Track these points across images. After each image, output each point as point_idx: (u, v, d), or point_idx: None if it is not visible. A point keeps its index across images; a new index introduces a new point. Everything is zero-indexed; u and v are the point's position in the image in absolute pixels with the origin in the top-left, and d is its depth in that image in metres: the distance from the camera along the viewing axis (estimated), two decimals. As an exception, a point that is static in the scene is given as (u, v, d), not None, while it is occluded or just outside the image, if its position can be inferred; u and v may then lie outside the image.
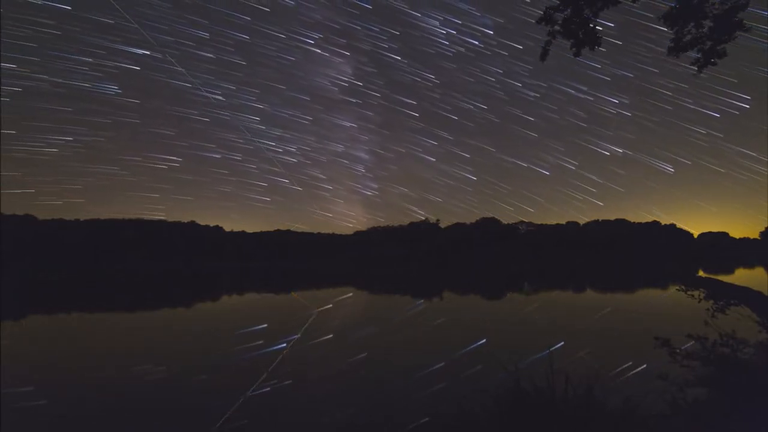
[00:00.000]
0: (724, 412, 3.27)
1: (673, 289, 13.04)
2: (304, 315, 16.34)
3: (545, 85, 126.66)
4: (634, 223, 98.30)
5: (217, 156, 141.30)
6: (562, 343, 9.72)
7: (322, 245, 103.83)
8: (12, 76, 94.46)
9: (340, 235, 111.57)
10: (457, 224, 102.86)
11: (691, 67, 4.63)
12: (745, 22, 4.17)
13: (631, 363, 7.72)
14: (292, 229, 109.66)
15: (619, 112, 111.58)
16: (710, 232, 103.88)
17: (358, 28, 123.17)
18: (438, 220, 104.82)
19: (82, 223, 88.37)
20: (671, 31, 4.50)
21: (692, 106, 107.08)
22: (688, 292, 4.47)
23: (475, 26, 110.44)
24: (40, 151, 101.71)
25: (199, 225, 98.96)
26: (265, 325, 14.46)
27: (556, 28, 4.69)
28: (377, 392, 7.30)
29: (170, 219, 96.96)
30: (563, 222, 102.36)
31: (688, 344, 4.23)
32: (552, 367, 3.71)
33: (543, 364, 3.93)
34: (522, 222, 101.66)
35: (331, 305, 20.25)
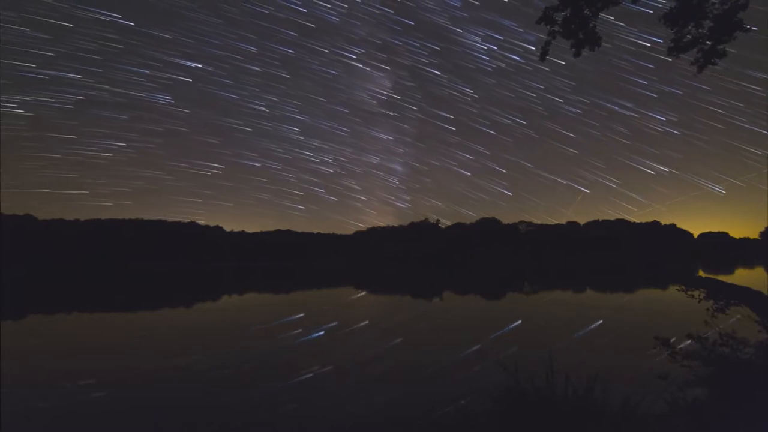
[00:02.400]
0: (724, 412, 3.27)
1: (673, 289, 13.03)
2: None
3: (587, 101, 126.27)
4: (634, 223, 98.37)
5: (257, 164, 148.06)
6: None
7: (323, 245, 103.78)
8: (77, 86, 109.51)
9: (340, 235, 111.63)
10: (457, 224, 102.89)
11: (691, 67, 4.63)
12: (744, 22, 4.17)
13: (631, 363, 7.71)
14: (292, 229, 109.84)
15: (666, 129, 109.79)
16: (710, 232, 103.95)
17: (399, 43, 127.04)
18: (438, 220, 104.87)
19: (83, 223, 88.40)
20: (671, 31, 4.51)
21: (746, 125, 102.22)
22: (688, 292, 4.48)
23: (517, 42, 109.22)
24: (96, 155, 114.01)
25: (199, 225, 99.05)
26: (302, 315, 15.83)
27: (556, 28, 4.70)
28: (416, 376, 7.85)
29: (170, 219, 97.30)
30: (563, 222, 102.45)
31: (688, 343, 4.24)
32: (552, 367, 3.72)
33: (543, 364, 3.93)
34: (522, 222, 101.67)
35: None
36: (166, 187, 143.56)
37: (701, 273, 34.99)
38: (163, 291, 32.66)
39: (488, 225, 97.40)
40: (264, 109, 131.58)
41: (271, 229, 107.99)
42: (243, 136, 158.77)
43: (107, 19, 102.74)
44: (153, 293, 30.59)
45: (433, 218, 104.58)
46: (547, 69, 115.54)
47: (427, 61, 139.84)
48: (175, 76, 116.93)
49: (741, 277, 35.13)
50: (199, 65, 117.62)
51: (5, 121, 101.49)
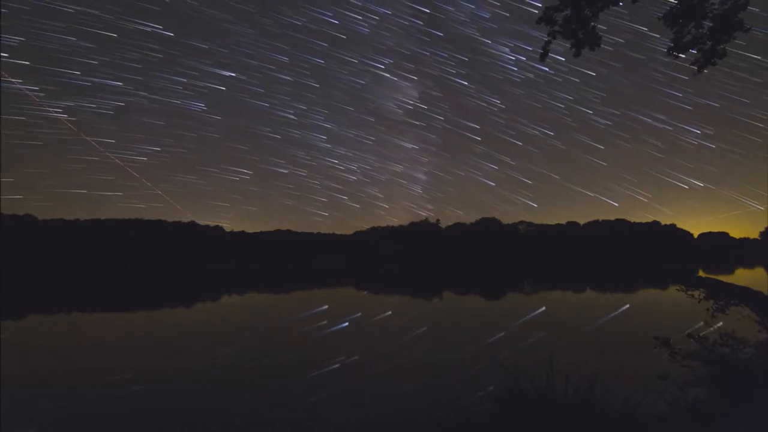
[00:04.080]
0: (724, 412, 3.27)
1: (673, 289, 13.04)
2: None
3: (618, 112, 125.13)
4: (634, 223, 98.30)
5: (284, 171, 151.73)
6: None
7: (323, 245, 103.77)
8: (117, 93, 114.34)
9: (340, 234, 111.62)
10: (457, 224, 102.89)
11: (691, 67, 4.63)
12: (744, 22, 4.17)
13: (631, 363, 7.71)
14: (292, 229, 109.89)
15: (700, 143, 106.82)
16: (710, 232, 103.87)
17: (428, 54, 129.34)
18: (438, 220, 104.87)
19: (83, 223, 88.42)
20: (671, 31, 4.51)
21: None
22: (688, 292, 4.48)
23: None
24: (132, 159, 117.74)
25: (199, 225, 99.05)
26: (326, 307, 16.60)
27: (557, 28, 4.69)
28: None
29: (170, 219, 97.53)
30: (563, 222, 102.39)
31: (688, 343, 4.24)
32: (552, 367, 3.72)
33: (543, 364, 3.93)
34: (522, 222, 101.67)
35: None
36: (196, 191, 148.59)
37: (701, 273, 34.98)
38: (163, 291, 32.66)
39: (488, 225, 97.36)
40: (293, 117, 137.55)
41: (271, 229, 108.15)
42: (272, 143, 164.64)
43: (149, 29, 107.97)
44: (153, 293, 30.59)
45: (433, 218, 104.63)
46: (577, 80, 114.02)
47: (454, 72, 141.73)
48: (209, 85, 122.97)
49: (741, 277, 35.13)
50: (233, 74, 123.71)
51: (50, 125, 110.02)
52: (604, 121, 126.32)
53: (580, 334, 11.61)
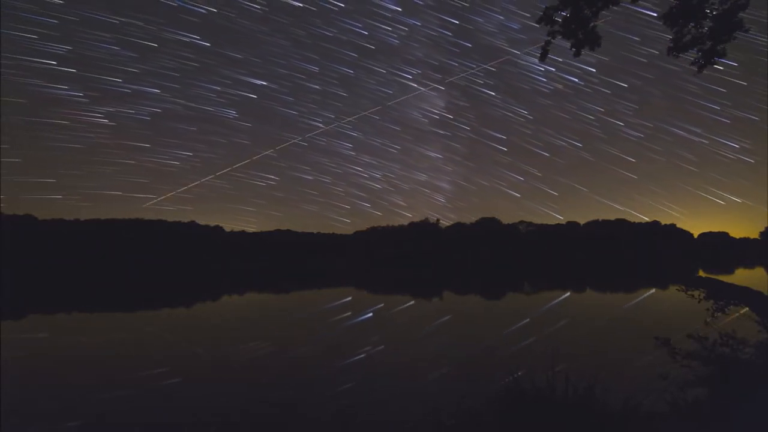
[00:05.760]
0: (724, 412, 3.27)
1: (673, 289, 13.03)
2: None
3: (651, 125, 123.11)
4: (634, 223, 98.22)
5: (309, 177, 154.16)
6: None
7: (323, 245, 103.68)
8: (155, 99, 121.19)
9: (340, 234, 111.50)
10: (457, 224, 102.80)
11: (691, 67, 4.63)
12: (744, 22, 4.17)
13: (631, 363, 7.71)
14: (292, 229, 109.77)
15: (738, 157, 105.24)
16: (710, 232, 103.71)
17: (456, 64, 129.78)
18: (438, 220, 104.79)
19: (82, 223, 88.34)
20: (671, 31, 4.50)
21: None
22: (688, 292, 4.48)
23: (577, 64, 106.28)
24: (165, 163, 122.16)
25: (199, 225, 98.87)
26: (350, 298, 17.66)
27: (556, 28, 4.69)
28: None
29: (170, 220, 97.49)
30: (563, 222, 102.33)
31: (688, 343, 4.23)
32: (553, 367, 3.71)
33: (543, 364, 3.93)
34: (522, 222, 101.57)
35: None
36: (224, 196, 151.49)
37: (701, 273, 34.98)
38: (163, 291, 32.65)
39: (488, 225, 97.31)
40: (320, 125, 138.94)
41: (271, 229, 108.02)
42: (299, 150, 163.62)
43: (187, 39, 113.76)
44: (153, 293, 30.58)
45: (433, 217, 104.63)
46: (608, 91, 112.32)
47: (482, 82, 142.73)
48: (241, 93, 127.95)
49: (741, 277, 35.11)
50: (264, 83, 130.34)
51: (92, 129, 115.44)
52: (635, 134, 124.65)
53: (580, 334, 11.61)
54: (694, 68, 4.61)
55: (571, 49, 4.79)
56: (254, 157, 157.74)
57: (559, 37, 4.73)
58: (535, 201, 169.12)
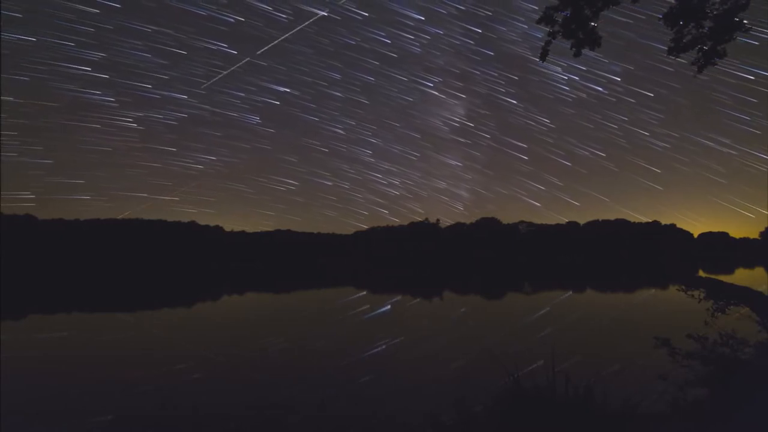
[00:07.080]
0: (724, 412, 3.27)
1: (673, 289, 13.04)
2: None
3: (677, 135, 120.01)
4: (634, 223, 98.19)
5: (329, 183, 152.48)
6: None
7: (323, 245, 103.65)
8: (182, 105, 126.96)
9: (340, 234, 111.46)
10: (458, 224, 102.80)
11: (692, 67, 4.63)
12: (745, 22, 4.17)
13: (631, 363, 7.71)
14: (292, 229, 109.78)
15: None
16: (710, 232, 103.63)
17: (478, 73, 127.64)
18: (438, 220, 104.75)
19: (82, 223, 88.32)
20: (671, 31, 4.50)
21: None
22: (688, 292, 4.48)
23: (601, 73, 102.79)
24: (189, 167, 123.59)
25: (199, 225, 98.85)
26: (365, 292, 17.94)
27: (557, 28, 4.69)
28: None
29: (170, 219, 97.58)
30: (563, 222, 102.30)
31: (688, 343, 4.23)
32: (553, 367, 3.71)
33: (543, 364, 3.93)
34: (522, 222, 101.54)
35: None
36: (245, 200, 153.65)
37: (701, 273, 34.97)
38: (163, 291, 32.65)
39: (488, 225, 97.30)
40: (341, 131, 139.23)
41: (271, 228, 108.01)
42: (319, 156, 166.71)
43: (215, 47, 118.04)
44: (153, 293, 30.57)
45: (432, 217, 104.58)
46: (632, 101, 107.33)
47: (504, 90, 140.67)
48: (265, 99, 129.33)
49: (741, 277, 35.12)
50: (288, 90, 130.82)
51: (121, 133, 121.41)
52: (662, 144, 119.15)
53: (580, 334, 11.61)
54: (695, 68, 4.61)
55: (571, 48, 4.79)
56: (275, 162, 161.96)
57: (560, 37, 4.73)
58: (556, 210, 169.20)
